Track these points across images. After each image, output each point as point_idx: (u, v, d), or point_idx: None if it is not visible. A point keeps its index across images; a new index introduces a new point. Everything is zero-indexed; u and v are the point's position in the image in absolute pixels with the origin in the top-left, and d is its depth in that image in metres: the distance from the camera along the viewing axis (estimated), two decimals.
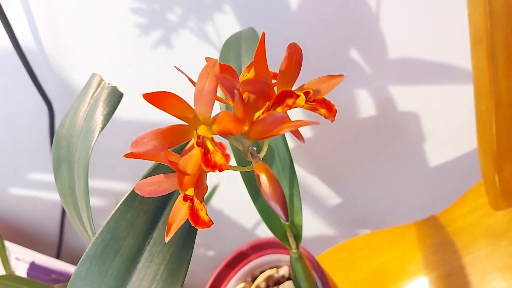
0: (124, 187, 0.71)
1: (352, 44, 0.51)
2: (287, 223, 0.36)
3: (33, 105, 0.58)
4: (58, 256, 0.81)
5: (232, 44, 0.40)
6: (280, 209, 0.21)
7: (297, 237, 0.38)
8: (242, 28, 0.46)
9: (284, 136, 0.35)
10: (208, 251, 0.83)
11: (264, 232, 0.78)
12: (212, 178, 0.64)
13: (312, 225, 0.75)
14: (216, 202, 0.73)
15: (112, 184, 0.70)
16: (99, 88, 0.32)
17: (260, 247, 0.52)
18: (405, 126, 0.60)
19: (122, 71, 0.54)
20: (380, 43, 0.51)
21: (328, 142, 0.62)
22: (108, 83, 0.31)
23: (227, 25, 0.48)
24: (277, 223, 0.37)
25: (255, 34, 0.40)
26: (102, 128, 0.29)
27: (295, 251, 0.39)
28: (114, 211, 0.29)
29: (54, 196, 0.73)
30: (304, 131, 0.60)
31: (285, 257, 0.50)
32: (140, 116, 0.57)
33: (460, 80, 0.54)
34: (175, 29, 0.48)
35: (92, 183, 0.67)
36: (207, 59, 0.22)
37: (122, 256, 0.28)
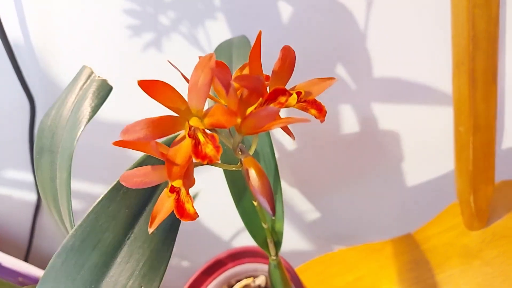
0: (104, 192, 0.69)
1: (339, 60, 0.52)
2: (268, 228, 0.36)
3: (15, 100, 0.57)
4: (26, 259, 0.78)
5: (223, 50, 0.40)
6: (267, 204, 0.21)
7: (277, 243, 0.38)
8: (233, 36, 0.47)
9: (270, 141, 0.36)
10: (182, 261, 0.81)
11: (241, 244, 0.77)
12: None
13: (288, 238, 0.75)
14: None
15: (92, 188, 0.69)
16: (89, 81, 0.31)
17: (237, 256, 0.51)
18: (385, 145, 0.61)
19: (110, 71, 0.54)
20: (365, 61, 0.52)
21: (311, 156, 0.63)
22: (98, 76, 0.31)
23: (218, 32, 0.49)
24: (258, 228, 0.37)
25: (247, 41, 0.40)
26: (89, 120, 0.29)
27: (274, 258, 0.39)
28: (95, 203, 0.28)
29: (27, 196, 0.71)
30: (287, 144, 0.61)
31: (262, 267, 0.50)
32: (125, 117, 0.57)
33: (439, 102, 0.56)
34: (166, 32, 0.49)
35: (72, 185, 0.65)
36: (201, 57, 0.22)
37: (101, 249, 0.27)
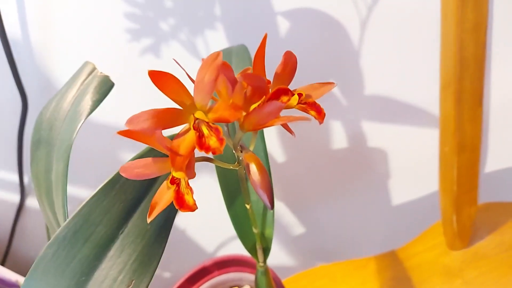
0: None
1: (332, 75, 0.54)
2: (258, 234, 0.36)
3: (6, 97, 0.56)
4: (3, 263, 0.76)
5: (223, 57, 0.41)
6: (267, 197, 0.21)
7: (266, 250, 0.38)
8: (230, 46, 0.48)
9: (265, 146, 0.36)
10: (164, 272, 0.80)
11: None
12: None
13: (272, 251, 0.75)
14: (180, 221, 0.72)
15: (80, 192, 0.68)
16: (91, 76, 0.32)
17: (223, 264, 0.51)
18: (373, 162, 0.62)
19: (106, 73, 0.54)
20: (357, 78, 0.54)
21: (298, 170, 0.64)
22: (101, 72, 0.32)
23: (217, 41, 0.50)
24: (248, 233, 0.37)
25: (246, 50, 0.41)
26: (90, 113, 0.29)
27: (262, 264, 0.39)
28: (90, 197, 0.28)
29: (10, 197, 0.70)
30: (277, 156, 0.62)
31: (248, 276, 0.50)
32: (118, 120, 0.57)
33: (427, 122, 0.57)
34: (165, 38, 0.50)
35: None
36: (204, 59, 0.23)
37: (93, 242, 0.27)
